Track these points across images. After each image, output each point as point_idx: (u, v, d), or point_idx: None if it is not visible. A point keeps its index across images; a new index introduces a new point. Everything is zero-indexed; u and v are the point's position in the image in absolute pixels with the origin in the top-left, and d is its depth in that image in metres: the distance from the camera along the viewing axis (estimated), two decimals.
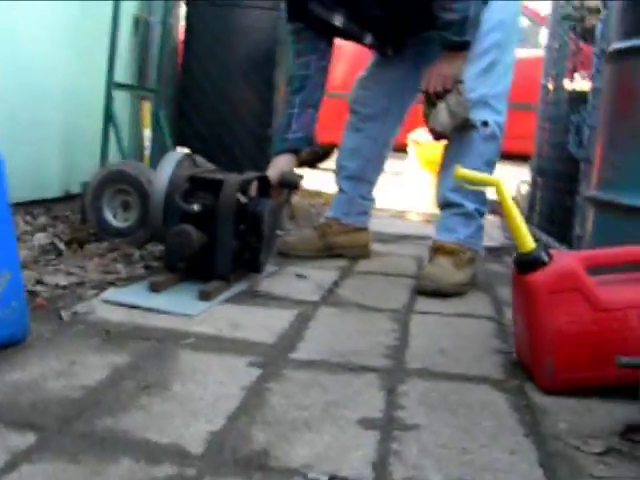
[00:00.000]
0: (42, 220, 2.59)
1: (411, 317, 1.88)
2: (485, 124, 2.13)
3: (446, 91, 2.09)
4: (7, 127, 2.49)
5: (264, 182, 2.15)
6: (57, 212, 2.73)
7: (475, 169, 2.10)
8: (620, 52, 1.68)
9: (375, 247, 2.71)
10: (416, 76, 2.33)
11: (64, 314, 1.66)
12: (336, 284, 2.16)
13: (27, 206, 2.64)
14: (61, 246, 2.22)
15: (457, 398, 1.37)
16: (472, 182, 1.56)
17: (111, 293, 1.84)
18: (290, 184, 2.28)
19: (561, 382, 1.39)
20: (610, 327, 1.37)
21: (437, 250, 2.21)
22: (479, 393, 1.40)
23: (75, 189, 2.81)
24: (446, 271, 2.12)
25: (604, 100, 1.76)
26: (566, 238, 2.61)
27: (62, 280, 1.91)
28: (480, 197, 2.21)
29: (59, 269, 2.01)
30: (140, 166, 2.40)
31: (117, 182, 2.34)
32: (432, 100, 2.12)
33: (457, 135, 2.14)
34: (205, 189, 1.98)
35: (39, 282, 1.86)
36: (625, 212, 1.65)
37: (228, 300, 1.89)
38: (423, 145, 3.94)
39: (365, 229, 2.61)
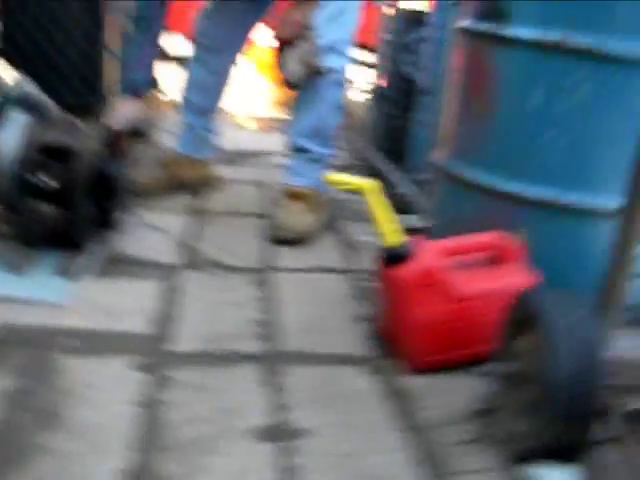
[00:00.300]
0: None
1: (271, 278, 1.98)
2: (332, 71, 2.18)
3: (297, 38, 2.10)
4: None
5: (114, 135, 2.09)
6: None
7: (323, 116, 2.19)
8: (475, 34, 1.76)
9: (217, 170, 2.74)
10: (257, 6, 2.32)
11: None
12: (187, 236, 2.20)
13: None
14: None
15: (335, 388, 1.51)
16: (342, 185, 1.65)
17: None
18: (140, 132, 2.22)
19: (426, 363, 1.58)
20: (461, 316, 1.56)
21: (288, 195, 2.29)
22: (353, 379, 1.55)
23: None
24: (298, 217, 2.21)
25: (457, 77, 1.86)
26: (401, 159, 2.77)
27: None
28: (329, 142, 2.29)
29: None
30: None
31: None
32: (284, 48, 2.12)
33: (305, 82, 2.17)
34: (58, 158, 1.90)
35: None
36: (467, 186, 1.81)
37: (91, 273, 1.88)
38: (258, 49, 3.89)
39: (210, 160, 2.63)
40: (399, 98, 2.85)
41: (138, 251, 2.05)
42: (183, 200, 2.51)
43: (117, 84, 2.35)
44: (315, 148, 2.26)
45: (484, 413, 1.44)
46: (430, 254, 1.57)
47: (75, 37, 2.87)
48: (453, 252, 1.61)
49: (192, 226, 2.29)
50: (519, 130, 1.70)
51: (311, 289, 1.95)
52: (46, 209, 1.80)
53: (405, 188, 2.55)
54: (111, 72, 2.86)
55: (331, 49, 2.17)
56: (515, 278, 1.59)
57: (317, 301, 1.88)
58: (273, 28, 2.18)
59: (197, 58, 2.49)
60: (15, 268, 1.83)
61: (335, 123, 2.28)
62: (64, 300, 1.74)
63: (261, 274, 2.00)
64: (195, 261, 2.04)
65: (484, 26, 1.71)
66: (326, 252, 2.20)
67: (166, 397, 1.43)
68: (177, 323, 1.70)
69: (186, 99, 2.54)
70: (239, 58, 2.55)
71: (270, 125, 3.84)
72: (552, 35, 1.61)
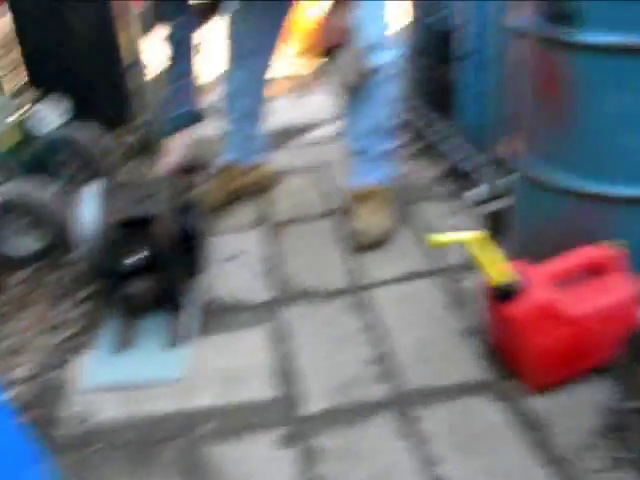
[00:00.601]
0: None
1: (367, 298, 2.03)
2: (382, 67, 2.14)
3: (343, 44, 2.06)
4: None
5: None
6: None
7: (378, 113, 2.17)
8: (546, 38, 1.72)
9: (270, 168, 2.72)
10: (277, 4, 2.29)
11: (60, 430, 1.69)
12: (270, 260, 2.24)
13: None
14: None
15: (470, 427, 1.58)
16: (449, 244, 1.68)
17: (85, 374, 1.85)
18: (197, 168, 2.22)
19: (546, 384, 1.66)
20: (576, 336, 1.62)
21: (357, 198, 2.29)
22: (483, 410, 1.62)
23: None
24: (372, 220, 2.23)
25: (528, 80, 1.82)
26: (445, 108, 2.73)
27: (24, 369, 1.88)
28: (388, 135, 2.27)
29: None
30: (30, 189, 2.21)
31: (11, 213, 2.18)
32: (331, 56, 2.09)
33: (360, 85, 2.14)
34: (139, 228, 1.92)
35: None
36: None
37: (195, 333, 1.95)
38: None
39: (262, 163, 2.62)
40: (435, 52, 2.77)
41: (230, 292, 2.09)
42: (247, 213, 2.52)
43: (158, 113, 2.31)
44: (375, 146, 2.25)
45: (616, 429, 1.53)
46: (538, 285, 1.61)
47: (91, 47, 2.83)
48: (559, 276, 1.65)
49: (267, 245, 2.32)
50: (602, 131, 1.69)
51: (409, 305, 1.98)
52: (141, 285, 1.84)
53: (461, 155, 2.54)
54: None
55: (377, 46, 2.11)
56: (620, 289, 1.64)
57: (419, 319, 1.92)
58: (314, 37, 2.12)
59: (235, 65, 2.44)
60: (122, 345, 1.90)
61: (391, 116, 2.25)
62: (180, 374, 1.81)
63: (356, 295, 2.04)
64: (288, 292, 2.08)
65: (556, 31, 1.66)
66: (409, 250, 2.22)
67: (322, 471, 1.52)
68: (297, 378, 1.77)
69: (229, 107, 2.49)
70: (274, 58, 2.48)
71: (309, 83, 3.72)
72: (629, 39, 1.57)
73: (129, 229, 1.90)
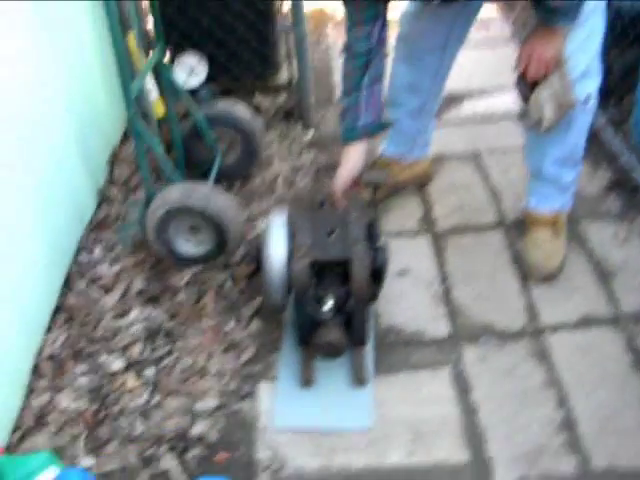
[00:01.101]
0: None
1: (543, 345, 2.02)
2: (587, 98, 2.01)
3: (548, 75, 1.92)
4: None
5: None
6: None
7: (576, 142, 2.07)
8: None
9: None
10: (467, 12, 2.14)
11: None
12: (443, 280, 2.22)
13: None
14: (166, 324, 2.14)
15: None
16: None
17: (276, 412, 1.90)
18: (376, 183, 2.15)
19: None
20: None
21: (533, 223, 2.23)
22: None
23: None
24: (549, 251, 2.18)
25: None
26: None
27: (211, 401, 1.93)
28: (578, 163, 2.17)
29: (189, 373, 2.00)
30: (200, 191, 2.16)
31: (180, 217, 2.16)
32: (532, 88, 1.95)
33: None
34: (331, 269, 1.91)
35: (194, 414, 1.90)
36: None
37: (373, 369, 1.98)
38: None
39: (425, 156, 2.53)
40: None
41: (407, 321, 2.10)
42: (408, 214, 2.46)
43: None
44: (566, 174, 2.15)
45: None
46: None
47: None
48: None
49: (434, 259, 2.29)
50: None
51: (588, 358, 1.97)
52: (339, 331, 1.85)
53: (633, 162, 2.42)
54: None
55: (584, 75, 1.97)
56: None
57: (601, 378, 1.92)
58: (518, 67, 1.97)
59: (404, 58, 2.28)
60: (306, 382, 1.94)
61: (584, 143, 2.14)
62: (370, 422, 1.86)
63: (534, 340, 2.03)
64: (467, 328, 2.08)
65: None
66: (583, 285, 2.18)
67: None
68: (484, 438, 1.80)
69: (394, 100, 2.37)
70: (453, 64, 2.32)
71: None
72: None
73: (322, 269, 1.89)
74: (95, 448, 1.82)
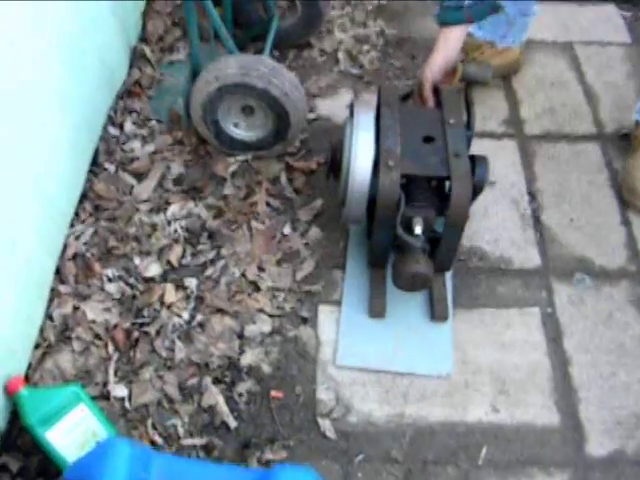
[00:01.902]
0: None
1: None
2: None
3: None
4: None
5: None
6: None
7: None
8: None
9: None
10: None
11: (325, 428, 1.47)
12: (533, 198, 1.84)
13: None
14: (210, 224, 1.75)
15: None
16: None
17: (340, 345, 1.57)
18: (477, 79, 1.71)
19: None
20: None
21: None
22: None
23: None
24: None
25: None
26: None
27: (263, 324, 1.59)
28: None
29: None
30: (262, 67, 1.70)
31: (235, 95, 1.72)
32: None
33: None
34: (420, 185, 1.53)
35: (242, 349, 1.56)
36: None
37: (454, 305, 1.64)
38: None
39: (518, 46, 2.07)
40: None
41: (492, 243, 1.74)
42: (493, 111, 2.04)
43: None
44: None
45: None
46: None
47: None
48: None
49: (522, 171, 1.90)
50: None
51: None
52: (429, 263, 1.48)
53: None
54: None
55: None
56: None
57: None
58: None
59: None
60: (375, 313, 1.60)
61: None
62: (450, 367, 1.55)
63: (636, 284, 1.70)
64: (560, 260, 1.73)
65: None
66: None
67: None
68: (579, 399, 1.52)
69: None
70: None
71: None
72: None
73: (410, 183, 1.51)
74: (127, 374, 1.49)
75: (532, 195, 1.84)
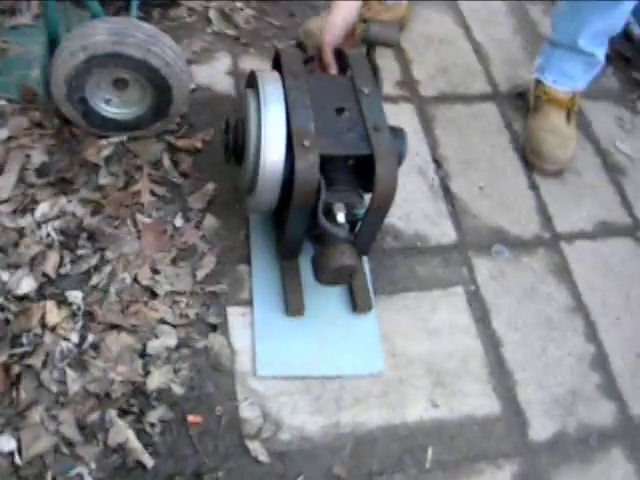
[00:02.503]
0: None
1: (560, 257, 1.59)
2: None
3: None
4: None
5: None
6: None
7: (621, 16, 1.58)
8: None
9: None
10: None
11: (256, 451, 1.25)
12: (439, 167, 1.68)
13: None
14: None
15: None
16: None
17: (258, 354, 1.34)
18: (383, 42, 1.50)
19: None
20: None
21: (549, 102, 1.71)
22: None
23: None
24: (564, 138, 1.71)
25: None
26: None
27: (166, 337, 1.34)
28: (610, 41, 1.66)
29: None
30: (138, 33, 1.38)
31: (107, 67, 1.41)
32: None
33: None
34: (342, 169, 1.32)
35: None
36: None
37: (374, 292, 1.47)
38: None
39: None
40: None
41: (402, 219, 1.58)
42: (386, 73, 1.82)
43: None
44: (600, 51, 1.65)
45: None
46: None
47: None
48: None
49: (424, 138, 1.73)
50: None
51: (612, 281, 1.59)
52: (353, 253, 1.29)
53: None
54: None
55: None
56: None
57: (626, 306, 1.56)
58: None
59: None
60: (293, 310, 1.39)
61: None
62: (382, 364, 1.38)
63: (552, 252, 1.60)
64: (475, 233, 1.60)
65: None
66: (597, 182, 1.75)
67: None
68: (514, 381, 1.41)
69: None
70: None
71: None
72: None
73: (326, 163, 1.29)
74: (11, 420, 1.19)
75: (438, 163, 1.69)
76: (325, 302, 1.42)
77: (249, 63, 1.77)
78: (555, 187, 1.71)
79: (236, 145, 1.33)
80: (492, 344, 1.45)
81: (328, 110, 1.32)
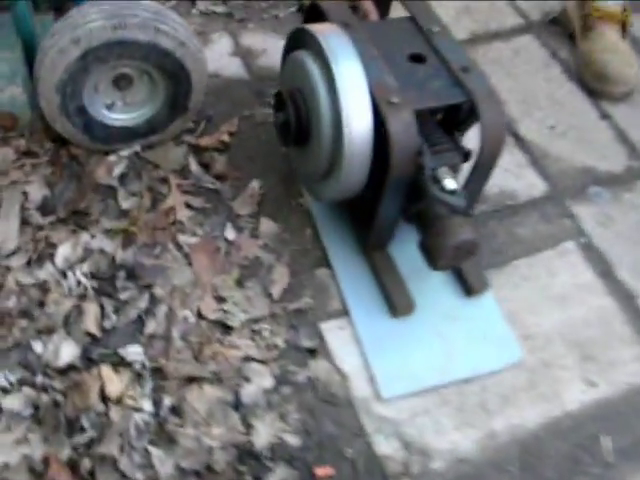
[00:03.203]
0: None
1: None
2: None
3: None
4: None
5: None
6: None
7: None
8: None
9: None
10: None
11: None
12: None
13: None
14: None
15: None
16: None
17: (379, 374, 1.04)
18: None
19: None
20: None
21: (601, 20, 1.45)
22: None
23: None
24: (625, 56, 1.45)
25: None
26: None
27: (258, 379, 1.02)
28: None
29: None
30: (138, 9, 1.06)
31: (107, 62, 1.08)
32: None
33: None
34: (432, 125, 1.03)
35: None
36: None
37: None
38: None
39: None
40: None
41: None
42: None
43: None
44: None
45: None
46: None
47: None
48: None
49: None
50: None
51: None
52: (472, 227, 1.00)
53: None
54: None
55: None
56: None
57: None
58: None
59: None
60: (399, 307, 1.09)
61: None
62: (518, 350, 1.09)
63: None
64: (562, 177, 1.33)
65: None
66: None
67: None
68: None
69: None
70: None
71: None
72: None
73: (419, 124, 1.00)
74: None
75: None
76: (431, 292, 1.13)
77: (252, 39, 1.46)
78: (627, 111, 1.45)
79: (299, 122, 1.02)
80: (626, 298, 1.17)
81: (400, 59, 1.04)
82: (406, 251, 1.13)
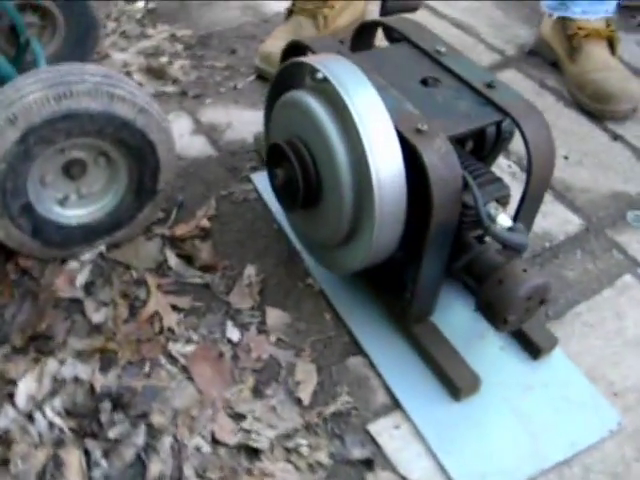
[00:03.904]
0: None
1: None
2: None
3: None
4: None
5: None
6: None
7: None
8: None
9: None
10: None
11: None
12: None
13: None
14: None
15: None
16: None
17: (454, 472, 0.79)
18: (407, 9, 1.04)
19: None
20: None
21: (586, 37, 1.32)
22: None
23: None
24: (621, 71, 1.32)
25: None
26: None
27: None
28: None
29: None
30: (84, 74, 0.85)
31: (53, 143, 0.86)
32: None
33: None
34: (465, 154, 0.84)
35: None
36: None
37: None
38: None
39: None
40: None
41: None
42: None
43: None
44: None
45: None
46: None
47: None
48: None
49: None
50: None
51: None
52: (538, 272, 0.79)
53: None
54: None
55: None
56: None
57: None
58: None
59: None
60: (469, 390, 0.86)
61: None
62: (614, 413, 0.86)
63: None
64: (592, 206, 1.14)
65: None
66: None
67: None
68: None
69: None
70: None
71: None
72: None
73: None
74: None
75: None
76: (493, 362, 0.90)
77: (212, 114, 1.27)
78: (636, 128, 1.30)
79: (307, 177, 0.81)
80: None
81: (412, 85, 0.85)
82: (449, 317, 0.91)
